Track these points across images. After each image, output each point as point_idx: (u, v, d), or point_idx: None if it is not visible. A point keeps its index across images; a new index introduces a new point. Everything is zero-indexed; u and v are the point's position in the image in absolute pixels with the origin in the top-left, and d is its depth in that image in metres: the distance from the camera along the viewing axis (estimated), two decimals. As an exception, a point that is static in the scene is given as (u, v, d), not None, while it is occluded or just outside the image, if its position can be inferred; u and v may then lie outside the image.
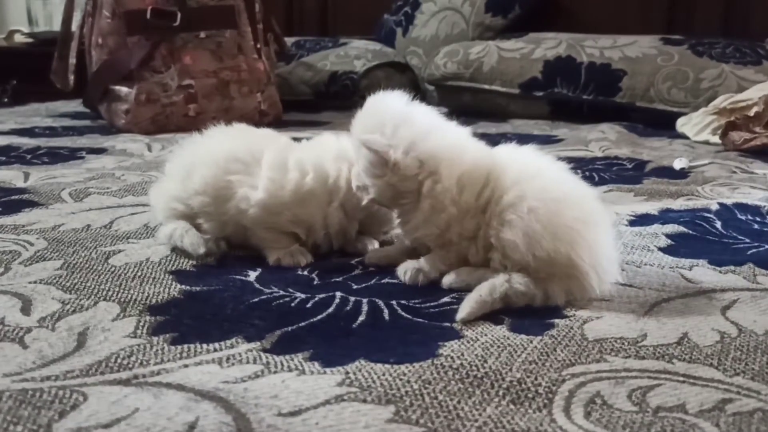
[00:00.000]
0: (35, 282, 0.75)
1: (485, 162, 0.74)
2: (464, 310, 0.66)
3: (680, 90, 1.98)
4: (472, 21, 2.37)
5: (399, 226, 0.80)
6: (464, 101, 2.21)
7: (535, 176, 0.72)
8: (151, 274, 0.79)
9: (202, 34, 1.89)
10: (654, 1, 2.39)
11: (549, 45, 2.15)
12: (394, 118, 0.74)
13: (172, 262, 0.83)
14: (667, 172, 1.38)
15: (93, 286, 0.75)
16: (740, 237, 0.95)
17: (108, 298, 0.71)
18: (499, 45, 2.20)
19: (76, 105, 2.31)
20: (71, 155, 1.50)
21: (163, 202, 0.90)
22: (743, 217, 1.04)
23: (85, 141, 1.70)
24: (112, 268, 0.80)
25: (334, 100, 2.35)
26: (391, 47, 2.55)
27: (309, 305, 0.70)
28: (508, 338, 0.63)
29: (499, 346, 0.61)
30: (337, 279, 0.78)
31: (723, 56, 2.02)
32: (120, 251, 0.86)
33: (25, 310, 0.68)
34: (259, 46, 1.98)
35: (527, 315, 0.68)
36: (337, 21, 2.85)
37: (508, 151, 0.77)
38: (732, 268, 0.82)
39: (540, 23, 2.36)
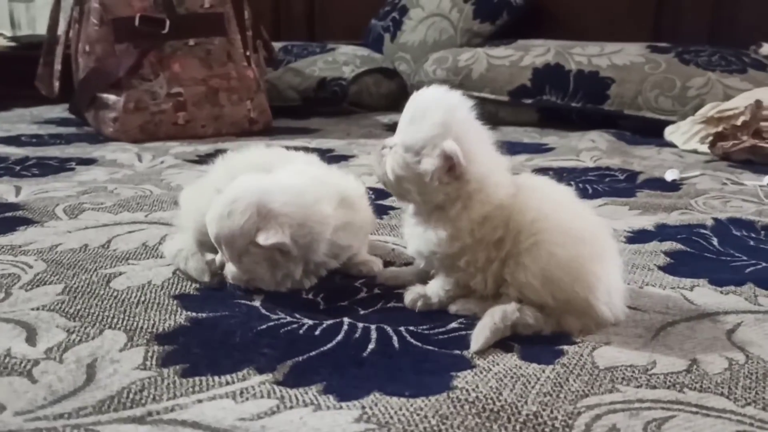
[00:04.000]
0: (38, 308, 0.74)
1: (509, 200, 0.72)
2: (479, 341, 0.66)
3: (667, 98, 2.00)
4: (460, 27, 2.38)
5: (410, 236, 0.78)
6: (453, 108, 2.21)
7: (552, 215, 0.71)
8: (155, 298, 0.78)
9: (192, 42, 1.88)
10: (641, 8, 2.41)
11: (537, 52, 2.16)
12: (457, 125, 0.70)
13: (174, 286, 0.82)
14: (659, 184, 1.39)
15: (97, 312, 0.74)
16: (737, 254, 0.96)
17: (113, 326, 0.71)
18: (488, 52, 2.20)
19: (60, 111, 2.28)
20: (61, 166, 1.48)
21: (195, 207, 0.86)
22: (738, 233, 1.05)
23: (74, 150, 1.68)
24: (115, 293, 0.79)
25: (323, 106, 2.34)
26: (379, 53, 2.55)
27: (317, 332, 0.70)
28: (521, 368, 0.63)
29: (512, 377, 0.61)
30: (343, 303, 0.78)
31: (709, 64, 2.04)
32: (121, 273, 0.85)
33: (31, 339, 0.67)
34: (248, 53, 1.97)
35: (536, 341, 0.69)
36: (325, 26, 2.84)
37: (525, 182, 0.76)
38: (733, 288, 0.83)
39: (527, 29, 2.37)
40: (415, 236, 0.75)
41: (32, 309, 0.74)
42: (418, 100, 0.72)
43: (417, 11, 2.49)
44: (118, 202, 1.17)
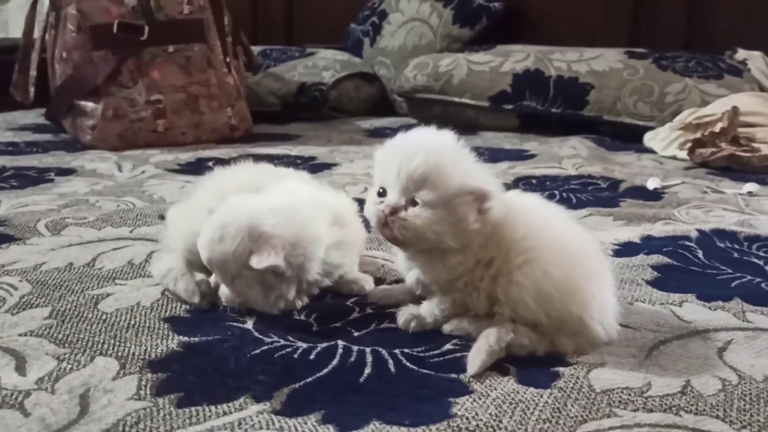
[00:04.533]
0: (25, 334, 0.73)
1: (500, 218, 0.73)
2: (475, 364, 0.66)
3: (646, 104, 2.02)
4: (439, 32, 2.38)
5: (407, 267, 0.79)
6: (434, 113, 2.21)
7: (543, 232, 0.72)
8: (145, 322, 0.77)
9: (171, 48, 1.86)
10: (618, 13, 2.43)
11: (517, 58, 2.17)
12: (464, 165, 0.72)
13: (164, 308, 0.81)
14: (641, 193, 1.41)
15: (86, 338, 0.73)
16: (722, 267, 0.97)
17: (104, 352, 0.70)
18: (468, 58, 2.21)
19: (35, 116, 2.25)
20: (40, 177, 1.46)
21: (184, 226, 0.86)
22: (722, 245, 1.06)
23: (52, 160, 1.65)
24: (104, 316, 0.78)
25: (303, 112, 2.34)
26: (359, 57, 2.54)
27: (312, 356, 0.70)
28: (518, 392, 0.63)
29: (511, 403, 0.61)
30: (336, 324, 0.77)
31: (686, 70, 2.06)
32: (108, 295, 0.84)
33: (20, 368, 0.66)
34: (228, 59, 1.96)
35: (531, 363, 0.69)
36: (303, 29, 2.83)
37: (514, 199, 0.76)
38: (721, 303, 0.84)
39: (506, 34, 2.38)
40: (417, 266, 0.75)
41: (20, 335, 0.73)
42: (410, 150, 0.71)
43: (396, 15, 2.48)
44: (101, 216, 1.16)
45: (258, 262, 0.74)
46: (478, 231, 0.71)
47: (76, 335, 0.73)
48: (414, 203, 0.70)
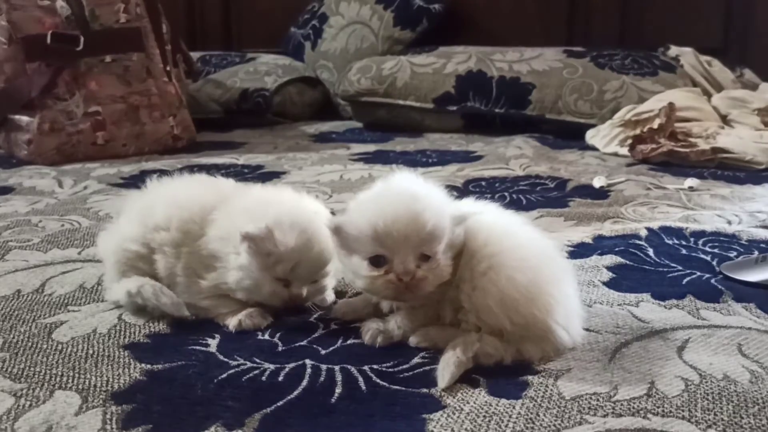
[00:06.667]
0: (-23, 370, 0.70)
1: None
2: (445, 377, 0.66)
3: (586, 102, 2.06)
4: (381, 35, 2.38)
5: None
6: (379, 116, 2.22)
7: (505, 238, 0.73)
8: (104, 350, 0.74)
9: (108, 58, 1.81)
10: (553, 13, 2.48)
11: (459, 59, 2.19)
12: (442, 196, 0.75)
13: (122, 333, 0.78)
14: (588, 191, 1.44)
15: (43, 371, 0.70)
16: (672, 264, 1.00)
17: (64, 385, 0.67)
18: (411, 60, 2.22)
19: (-35, 131, 2.15)
20: (-24, 197, 1.40)
21: (116, 245, 0.85)
22: (670, 242, 1.09)
23: (-13, 178, 1.59)
24: (59, 346, 0.75)
25: (246, 118, 2.31)
26: (300, 61, 2.53)
27: (281, 378, 0.68)
28: (491, 404, 0.63)
29: (485, 416, 0.61)
30: (302, 343, 0.76)
31: (623, 68, 2.12)
32: (62, 323, 0.81)
33: (-25, 408, 0.63)
34: (168, 68, 1.92)
35: (500, 373, 0.69)
36: (241, 34, 2.79)
37: (470, 208, 0.77)
38: (675, 302, 0.86)
39: (447, 35, 2.40)
40: None
41: (-29, 371, 0.69)
42: (410, 215, 0.70)
43: (337, 19, 2.48)
44: (46, 237, 1.12)
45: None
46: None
47: (32, 368, 0.70)
48: (424, 257, 0.71)
